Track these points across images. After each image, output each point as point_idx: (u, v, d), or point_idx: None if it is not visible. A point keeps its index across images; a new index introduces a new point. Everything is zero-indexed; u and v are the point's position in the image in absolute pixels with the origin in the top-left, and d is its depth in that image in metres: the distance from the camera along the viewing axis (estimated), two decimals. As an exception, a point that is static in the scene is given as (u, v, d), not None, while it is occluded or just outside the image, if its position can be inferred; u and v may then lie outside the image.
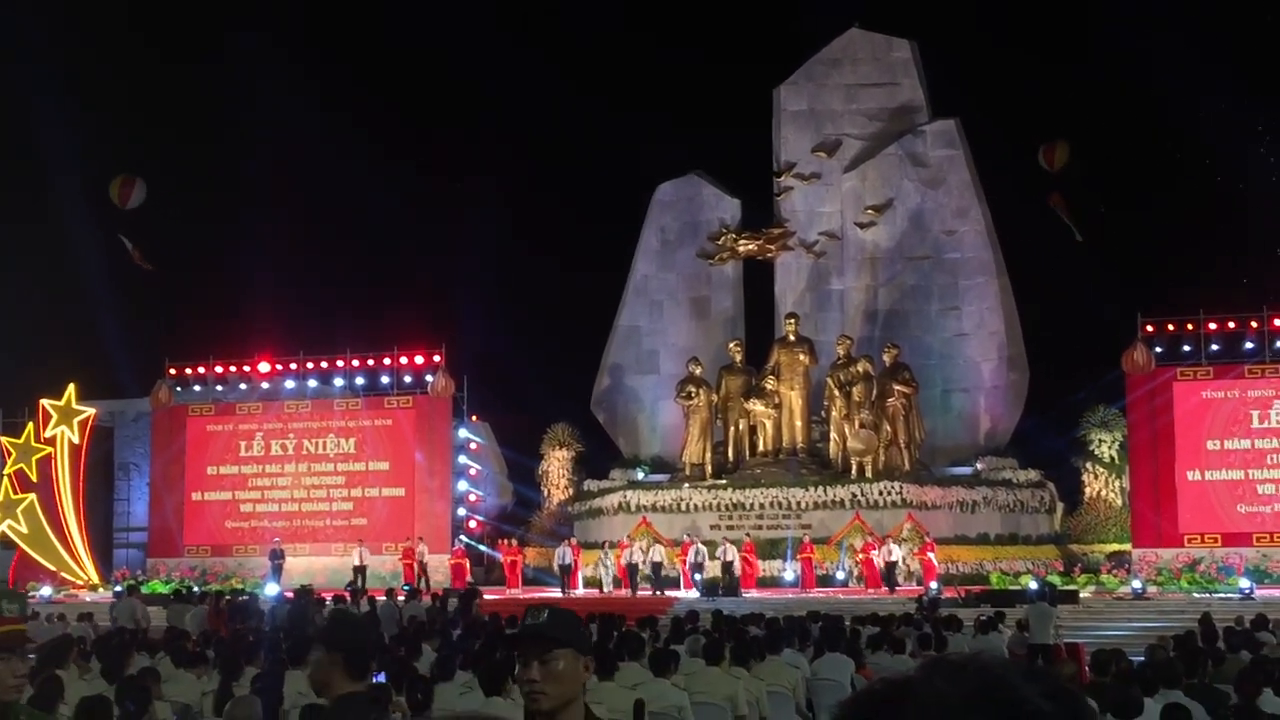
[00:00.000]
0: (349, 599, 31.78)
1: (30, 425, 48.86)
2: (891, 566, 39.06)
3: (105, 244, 50.93)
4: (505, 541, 46.07)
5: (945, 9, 55.48)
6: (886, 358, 45.10)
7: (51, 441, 48.64)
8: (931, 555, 39.68)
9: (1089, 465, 45.97)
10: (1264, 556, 40.48)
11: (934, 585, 36.80)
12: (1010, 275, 47.76)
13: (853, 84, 49.51)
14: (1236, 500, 41.35)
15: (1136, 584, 38.23)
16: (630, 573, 40.91)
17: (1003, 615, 24.91)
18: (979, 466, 45.83)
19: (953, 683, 1.94)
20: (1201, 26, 52.72)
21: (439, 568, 44.42)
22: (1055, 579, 38.81)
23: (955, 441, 47.07)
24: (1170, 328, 42.99)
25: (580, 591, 41.25)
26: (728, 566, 39.73)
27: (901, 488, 42.70)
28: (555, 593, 41.30)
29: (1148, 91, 53.02)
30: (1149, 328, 42.89)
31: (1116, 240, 51.25)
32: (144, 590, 39.65)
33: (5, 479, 48.56)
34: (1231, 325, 42.53)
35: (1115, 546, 43.58)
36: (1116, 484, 45.26)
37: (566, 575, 41.56)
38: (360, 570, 42.94)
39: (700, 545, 40.79)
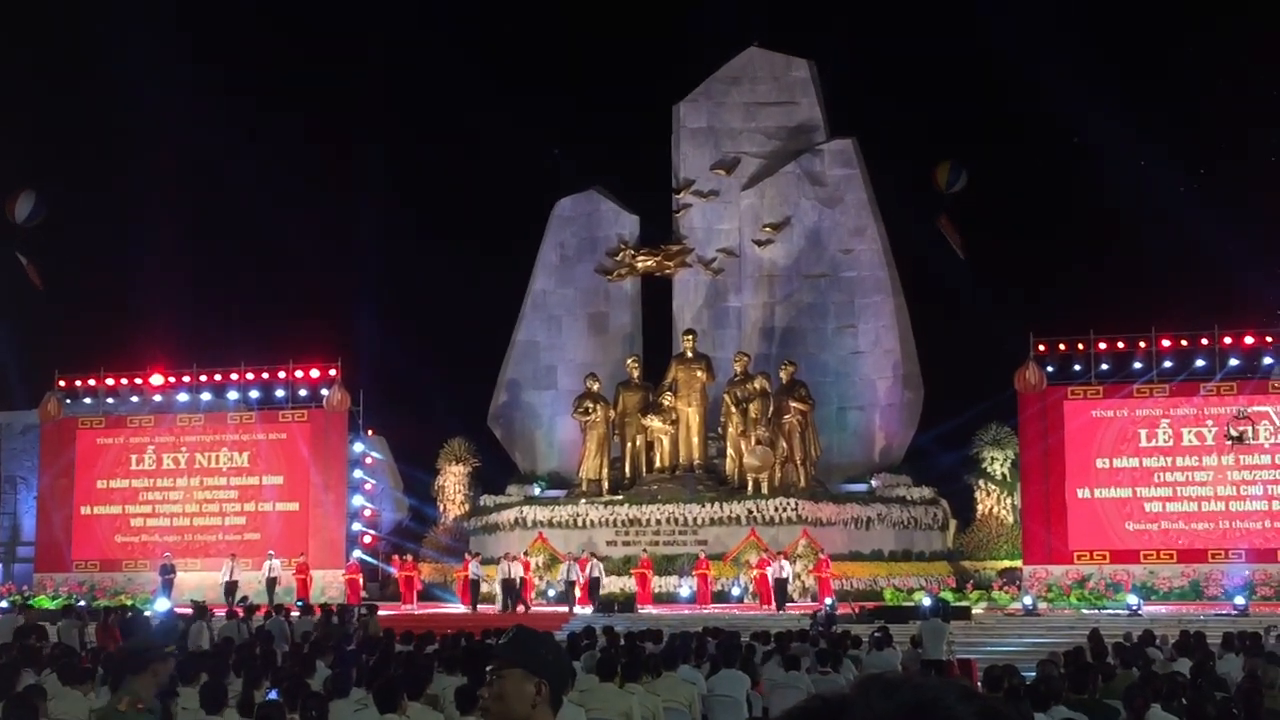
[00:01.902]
0: (241, 615, 31.40)
1: (-87, 437, 47.95)
2: (782, 584, 39.14)
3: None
4: (400, 557, 45.77)
5: (844, 29, 56.00)
6: (783, 375, 45.36)
7: (-64, 454, 47.75)
8: (827, 572, 39.99)
9: (981, 483, 46.52)
10: (1151, 573, 41.11)
11: (829, 602, 36.99)
12: (906, 294, 48.23)
13: (752, 102, 49.81)
14: (1125, 518, 41.98)
15: (1027, 600, 38.64)
16: (508, 588, 40.65)
17: (886, 629, 25.01)
18: (874, 484, 46.23)
19: (888, 700, 1.95)
20: (1090, 53, 53.66)
21: (333, 583, 44.06)
22: (948, 595, 39.18)
23: (850, 459, 47.43)
24: (1061, 347, 43.59)
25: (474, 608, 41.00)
26: (594, 583, 39.90)
27: (797, 504, 42.90)
28: (451, 609, 41.11)
29: (1039, 115, 53.86)
30: (1041, 347, 43.47)
31: (1009, 261, 51.92)
32: (31, 605, 38.95)
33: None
34: (1120, 345, 43.19)
35: (1007, 563, 44.09)
36: (1008, 501, 45.84)
37: (475, 591, 41.23)
38: (231, 586, 42.29)
39: (573, 563, 40.81)
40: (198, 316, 57.76)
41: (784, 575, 39.28)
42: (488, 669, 4.81)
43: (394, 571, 45.58)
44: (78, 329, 55.58)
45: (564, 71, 60.16)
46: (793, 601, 39.29)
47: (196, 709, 11.01)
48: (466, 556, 42.95)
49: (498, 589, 41.26)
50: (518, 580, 40.65)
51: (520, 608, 39.56)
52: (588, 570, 40.09)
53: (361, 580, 44.40)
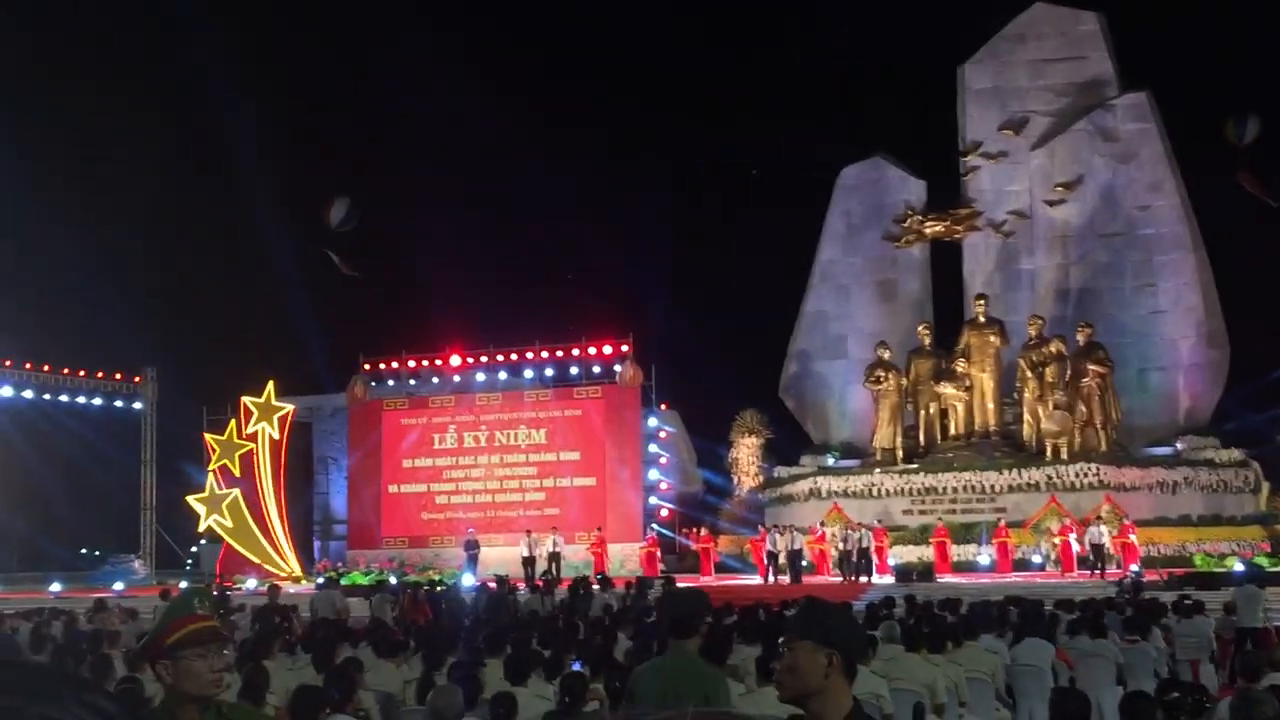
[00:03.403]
0: (543, 587, 32.06)
1: (233, 422, 50.17)
2: (1099, 549, 38.14)
3: (302, 245, 52.22)
4: (696, 530, 46.13)
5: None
6: (1080, 337, 44.25)
7: (253, 438, 49.85)
8: (1132, 537, 38.87)
9: (1295, 443, 44.69)
10: None
11: (1135, 568, 36.02)
12: (1208, 249, 46.57)
13: (1038, 59, 48.64)
14: None
15: (1349, 564, 37.00)
16: (792, 560, 40.69)
17: (1189, 596, 24.12)
18: (1179, 446, 44.73)
19: None
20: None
21: (631, 556, 44.64)
22: (1262, 560, 37.73)
23: (1153, 421, 46.03)
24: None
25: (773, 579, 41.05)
26: (864, 553, 39.62)
27: (1098, 469, 41.89)
28: (748, 579, 41.26)
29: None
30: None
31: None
32: (344, 582, 40.49)
33: (210, 475, 49.95)
34: None
35: (1326, 526, 42.25)
36: (1326, 462, 43.93)
37: (773, 562, 41.31)
38: (530, 561, 43.01)
39: (833, 531, 40.62)
40: (493, 298, 59.24)
41: (1101, 541, 38.15)
42: (780, 642, 4.82)
43: (691, 544, 46.00)
44: (380, 314, 57.61)
45: (848, 38, 59.65)
46: (1100, 568, 38.45)
47: (501, 679, 11.27)
48: (762, 529, 43.11)
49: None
50: (803, 551, 40.71)
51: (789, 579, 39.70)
52: (859, 540, 39.90)
53: (659, 553, 44.87)
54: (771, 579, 40.36)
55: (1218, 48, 53.76)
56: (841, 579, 39.42)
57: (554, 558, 43.29)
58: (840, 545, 40.73)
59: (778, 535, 41.69)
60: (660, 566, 43.67)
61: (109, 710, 1.84)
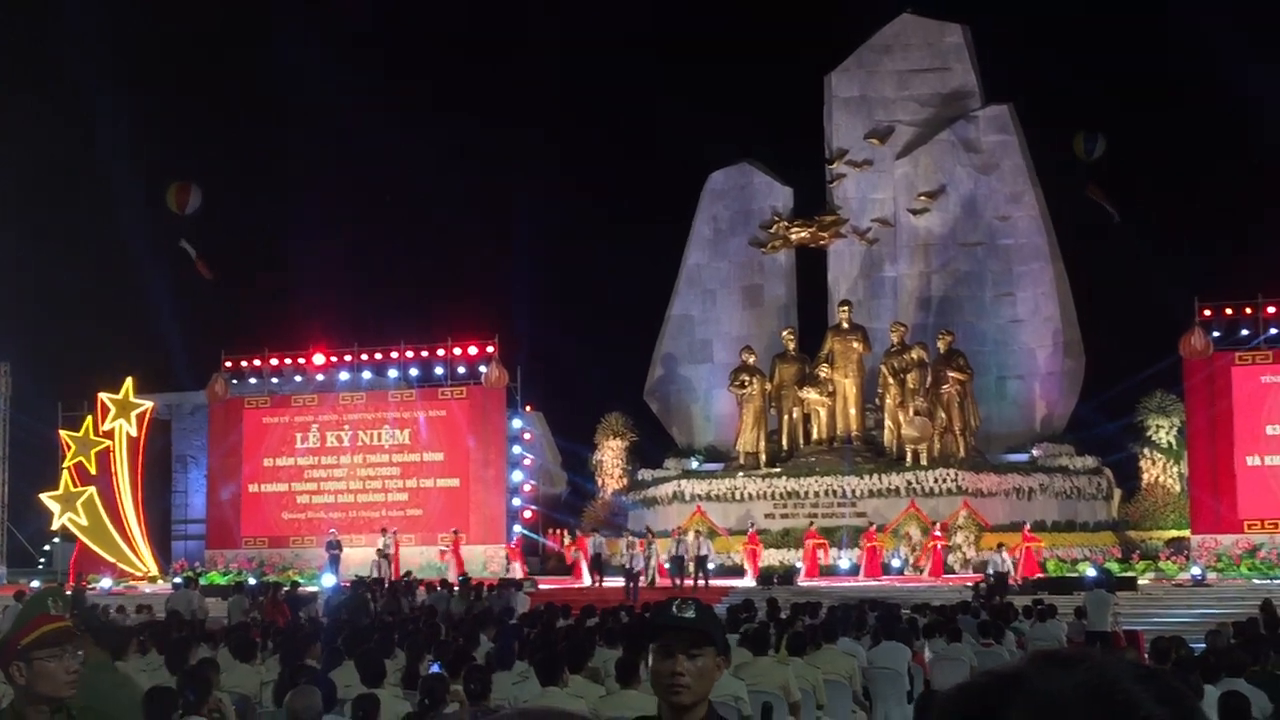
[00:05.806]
0: (404, 588, 31.83)
1: (89, 419, 49.25)
2: (1003, 578, 35.04)
3: (162, 240, 51.27)
4: (560, 532, 46.12)
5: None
6: (940, 344, 44.85)
7: (110, 435, 49.00)
8: (1032, 546, 39.08)
9: (1146, 451, 45.69)
10: (1325, 542, 40.06)
11: (990, 573, 36.37)
12: (1065, 261, 47.43)
13: (904, 70, 49.25)
14: (1297, 485, 40.91)
15: (1196, 570, 37.91)
16: (595, 564, 40.56)
17: (1041, 602, 24.58)
18: (1035, 453, 45.55)
19: (1063, 678, 1.88)
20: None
21: (494, 558, 44.47)
22: (1113, 566, 38.55)
23: (1011, 428, 46.80)
24: (1228, 311, 42.53)
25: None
26: (701, 560, 38.91)
27: (957, 475, 42.48)
28: (576, 584, 40.86)
29: (1201, 69, 52.49)
30: (1206, 312, 42.46)
31: (1171, 224, 50.79)
32: (202, 582, 39.86)
33: (65, 472, 48.99)
34: (1290, 308, 42.02)
35: (1174, 533, 43.26)
36: (1175, 470, 44.95)
37: (598, 565, 41.09)
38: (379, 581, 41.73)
39: (684, 539, 39.96)
40: (358, 296, 58.74)
41: (1005, 569, 36.28)
42: (677, 644, 4.57)
43: (555, 546, 45.96)
44: (242, 311, 56.82)
45: (715, 45, 59.98)
46: (953, 573, 38.98)
47: (357, 683, 11.17)
48: (580, 534, 43.20)
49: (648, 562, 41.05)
50: (637, 565, 39.53)
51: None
52: (697, 548, 39.35)
53: (458, 555, 43.79)
54: (589, 581, 40.25)
55: (1077, 63, 54.81)
56: (670, 583, 38.40)
57: (387, 558, 42.37)
58: (673, 550, 39.20)
59: (600, 539, 41.54)
60: (516, 570, 43.43)
61: None
